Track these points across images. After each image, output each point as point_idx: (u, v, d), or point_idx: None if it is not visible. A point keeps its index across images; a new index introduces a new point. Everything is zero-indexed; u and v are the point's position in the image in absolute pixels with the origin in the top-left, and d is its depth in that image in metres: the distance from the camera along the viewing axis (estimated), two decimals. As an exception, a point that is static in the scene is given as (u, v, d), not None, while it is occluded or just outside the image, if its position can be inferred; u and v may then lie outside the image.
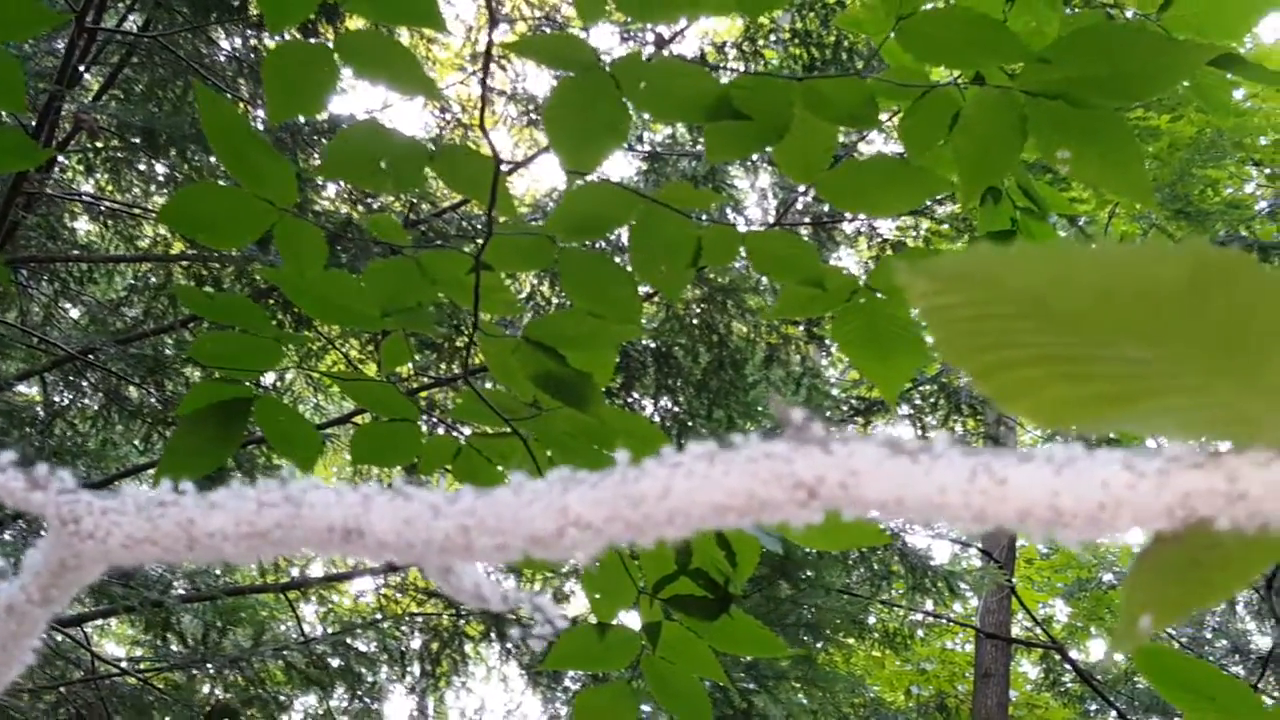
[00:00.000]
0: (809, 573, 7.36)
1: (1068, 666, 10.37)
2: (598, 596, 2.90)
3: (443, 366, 6.30)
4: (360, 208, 5.92)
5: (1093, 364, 0.63)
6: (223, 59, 6.30)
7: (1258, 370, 0.63)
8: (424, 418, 6.12)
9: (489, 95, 7.80)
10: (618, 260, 2.50)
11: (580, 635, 2.94)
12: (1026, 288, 0.61)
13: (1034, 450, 0.69)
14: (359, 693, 7.35)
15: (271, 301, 5.51)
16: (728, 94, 2.16)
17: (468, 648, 7.89)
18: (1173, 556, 0.70)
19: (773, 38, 6.10)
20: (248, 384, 2.58)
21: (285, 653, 6.72)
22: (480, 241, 2.40)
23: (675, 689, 2.88)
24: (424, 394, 5.99)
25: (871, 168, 2.31)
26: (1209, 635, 12.16)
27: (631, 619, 2.92)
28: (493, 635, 7.24)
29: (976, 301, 0.61)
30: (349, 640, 7.17)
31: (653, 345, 6.42)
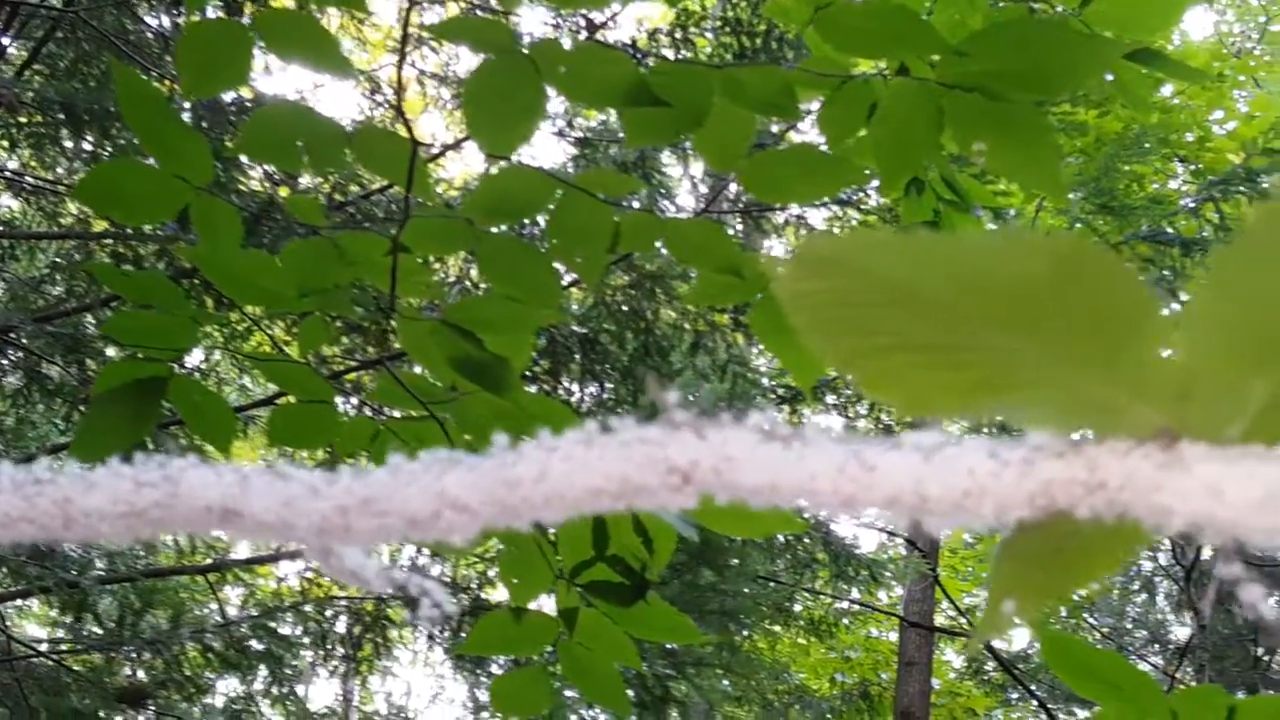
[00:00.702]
0: (735, 560, 7.38)
1: (990, 655, 10.46)
2: (515, 581, 2.90)
3: (370, 350, 6.28)
4: (287, 188, 5.88)
5: (960, 352, 0.64)
6: (150, 35, 6.24)
7: (1116, 361, 0.64)
8: (349, 400, 6.10)
9: (422, 78, 7.77)
10: (538, 245, 2.49)
11: (497, 620, 2.94)
12: (894, 276, 0.61)
13: (903, 438, 0.70)
14: (280, 677, 7.32)
15: (195, 281, 5.47)
16: (647, 80, 2.16)
17: (391, 632, 7.87)
18: (1036, 544, 0.71)
19: (705, 25, 6.11)
20: (167, 363, 2.56)
21: (204, 636, 6.68)
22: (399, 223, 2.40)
23: (592, 674, 2.89)
24: (351, 377, 5.96)
25: (789, 157, 2.32)
26: (1129, 626, 12.29)
27: (552, 605, 2.92)
28: (415, 620, 7.21)
29: (843, 288, 0.61)
30: (270, 624, 7.13)
31: (580, 331, 6.42)
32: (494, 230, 2.39)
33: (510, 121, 2.21)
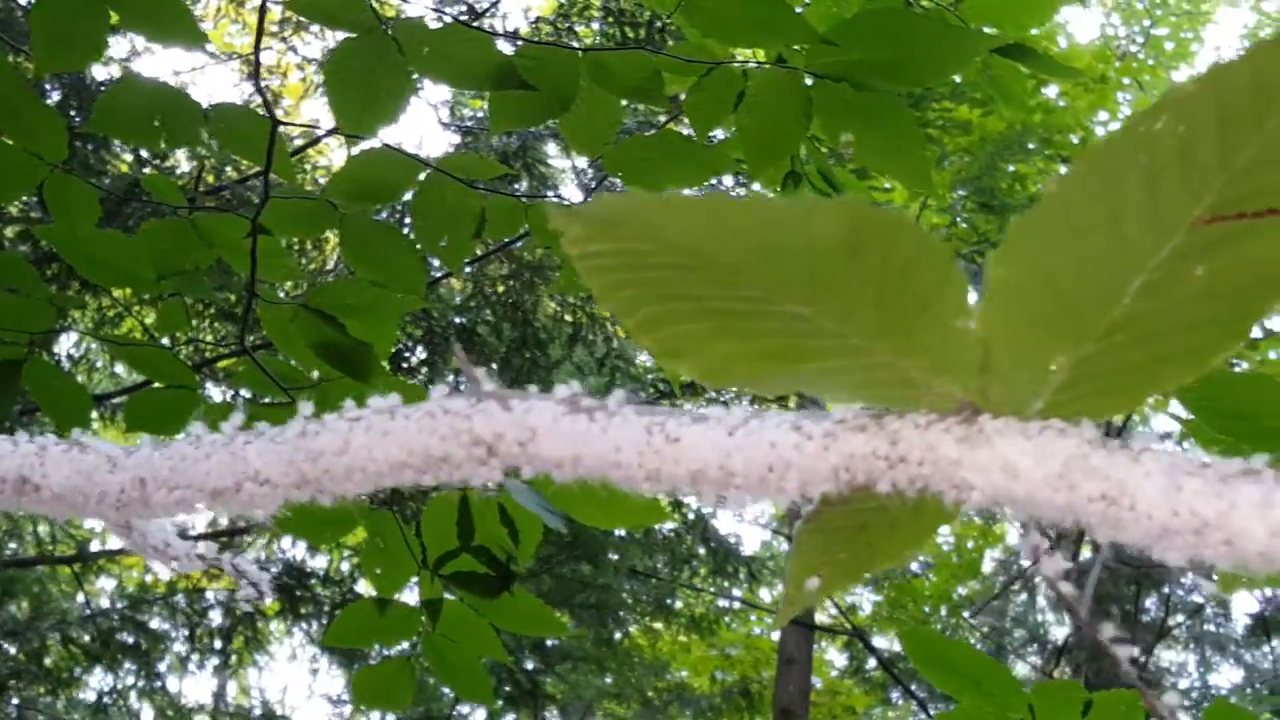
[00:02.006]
0: (613, 555, 7.37)
1: (870, 654, 10.52)
2: (378, 572, 2.86)
3: (251, 338, 6.17)
4: (149, 170, 5.78)
5: (755, 320, 0.62)
6: (20, 15, 6.11)
7: (915, 332, 0.63)
8: (220, 388, 6.01)
9: (305, 64, 7.67)
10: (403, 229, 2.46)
11: (360, 611, 2.90)
12: (684, 239, 0.59)
13: (708, 411, 0.68)
14: (148, 671, 7.19)
15: (59, 265, 5.36)
16: (512, 63, 2.14)
17: (267, 626, 7.78)
18: (840, 520, 0.70)
19: (588, 15, 6.08)
20: (23, 346, 2.49)
21: (67, 628, 6.55)
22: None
23: (456, 667, 2.85)
24: (224, 364, 5.87)
25: (657, 143, 2.30)
26: (1009, 625, 12.43)
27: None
28: (288, 613, 7.14)
29: (633, 251, 0.60)
30: (136, 616, 7.00)
31: (458, 321, 6.37)
32: (358, 213, 2.36)
33: (373, 102, 2.18)
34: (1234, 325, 0.63)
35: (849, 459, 0.65)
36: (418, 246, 2.40)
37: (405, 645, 2.95)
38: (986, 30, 2.62)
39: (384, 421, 0.74)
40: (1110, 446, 0.61)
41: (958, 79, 5.75)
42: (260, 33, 2.30)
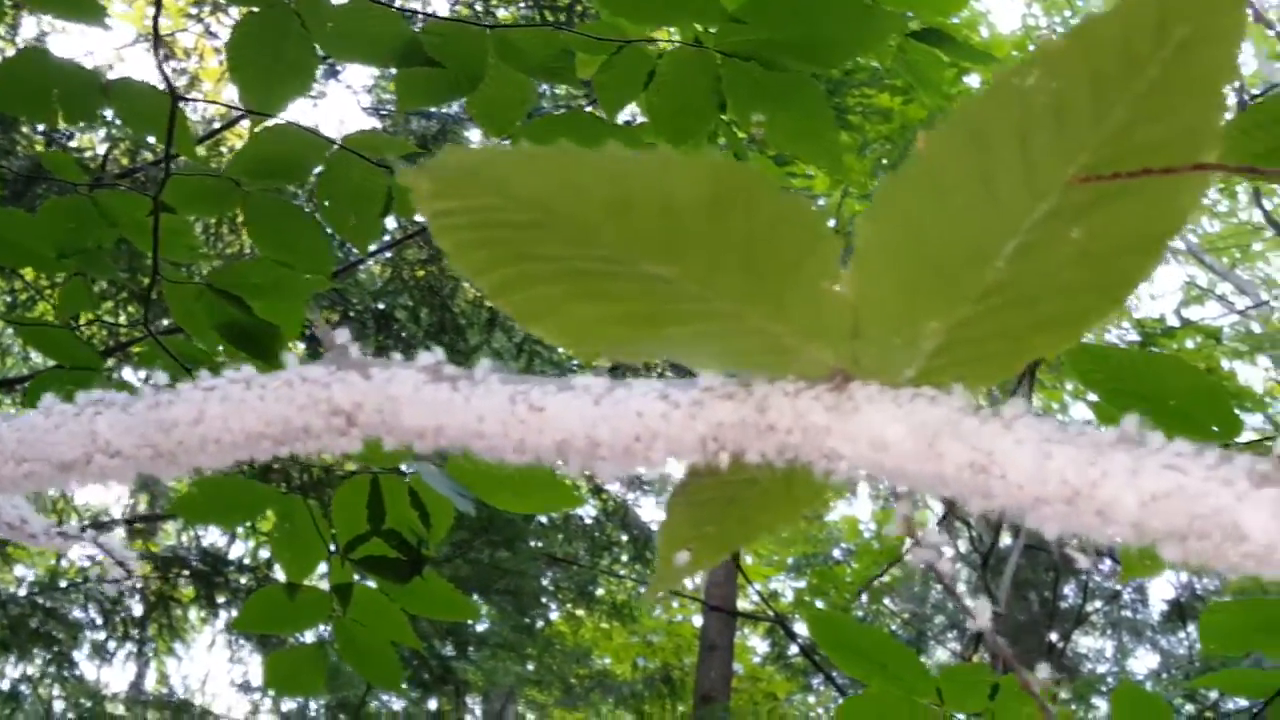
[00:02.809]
0: (535, 542, 7.34)
1: (791, 640, 10.55)
2: (288, 556, 2.82)
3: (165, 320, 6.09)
4: (55, 148, 5.69)
5: (615, 282, 0.60)
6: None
7: (783, 295, 0.60)
8: (135, 371, 5.93)
9: (224, 49, 7.56)
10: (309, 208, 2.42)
11: (270, 596, 2.86)
12: (536, 194, 0.57)
13: (574, 380, 0.66)
14: (59, 658, 7.10)
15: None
16: (418, 39, 2.11)
17: (184, 613, 7.69)
18: (710, 492, 0.67)
19: (509, -1, 6.06)
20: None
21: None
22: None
23: (366, 652, 2.82)
24: (138, 348, 5.78)
25: (567, 124, 2.27)
26: (929, 611, 12.50)
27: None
28: (204, 600, 7.06)
29: (483, 208, 0.57)
30: (48, 603, 6.91)
31: (375, 306, 6.31)
32: (262, 192, 2.32)
33: (277, 78, 2.14)
34: (1110, 290, 0.61)
35: (717, 428, 0.63)
36: (326, 227, 2.36)
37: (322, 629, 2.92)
38: (905, 15, 2.61)
39: (239, 391, 0.71)
40: (982, 414, 0.59)
41: (878, 65, 5.75)
42: (158, 18, 2.26)
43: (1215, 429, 1.53)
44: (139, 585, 7.04)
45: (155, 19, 2.28)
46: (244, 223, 2.31)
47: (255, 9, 2.06)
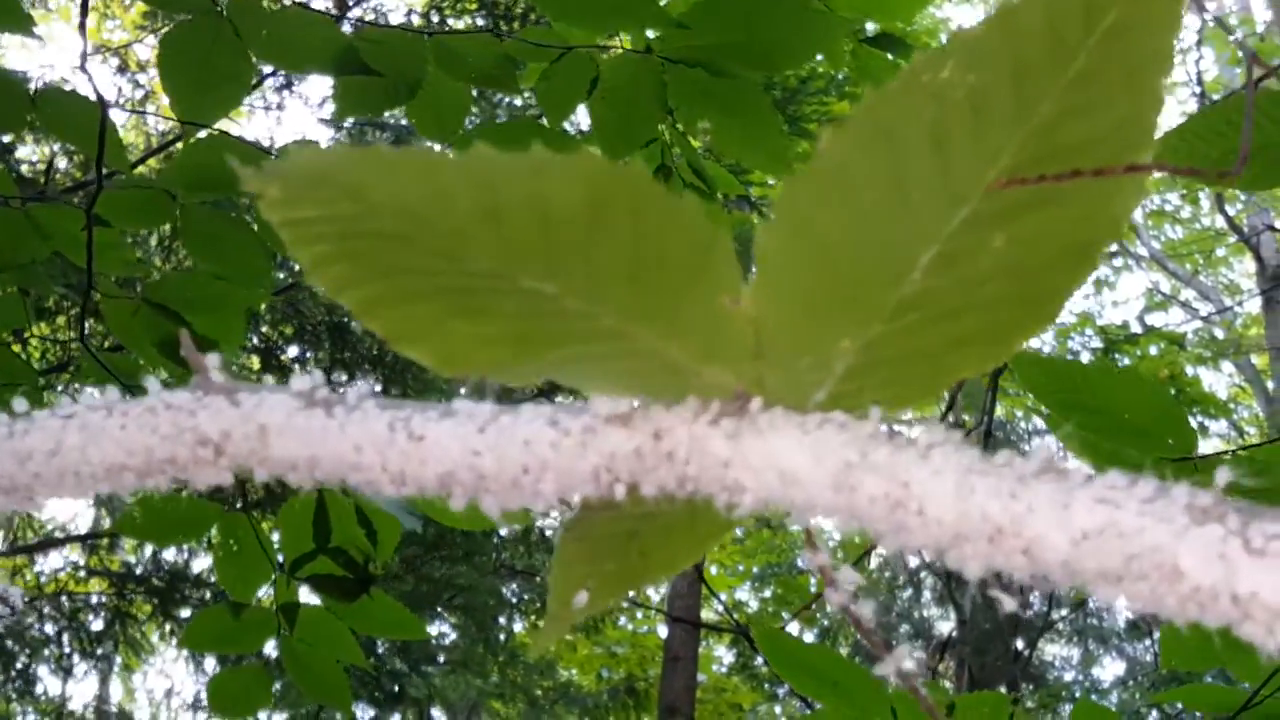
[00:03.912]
0: (486, 555, 7.25)
1: (755, 651, 10.44)
2: (232, 575, 2.76)
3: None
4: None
5: (491, 298, 0.54)
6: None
7: (677, 312, 0.55)
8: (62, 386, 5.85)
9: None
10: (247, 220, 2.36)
11: (215, 615, 2.81)
12: (398, 202, 0.51)
13: (458, 405, 0.60)
14: (19, 675, 7.00)
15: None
16: (354, 46, 2.05)
17: (144, 629, 7.60)
18: (607, 526, 0.62)
19: (462, 7, 5.97)
20: None
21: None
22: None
23: (313, 671, 2.76)
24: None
25: (508, 132, 2.21)
26: (894, 620, 12.46)
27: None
28: (161, 615, 6.97)
29: (342, 216, 0.51)
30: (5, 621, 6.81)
31: (330, 319, 6.22)
32: (197, 204, 2.25)
33: (211, 86, 2.08)
34: (1038, 303, 0.56)
35: (610, 458, 0.57)
36: (262, 239, 2.30)
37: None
38: (860, 21, 2.57)
39: (99, 419, 0.65)
40: (897, 442, 0.53)
41: (835, 73, 5.71)
42: (85, 8, 2.19)
43: (1171, 442, 1.49)
44: (98, 601, 6.95)
45: (82, 22, 2.21)
46: (179, 235, 2.24)
47: (187, 16, 1.99)
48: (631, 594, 0.73)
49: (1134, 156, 0.53)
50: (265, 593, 2.76)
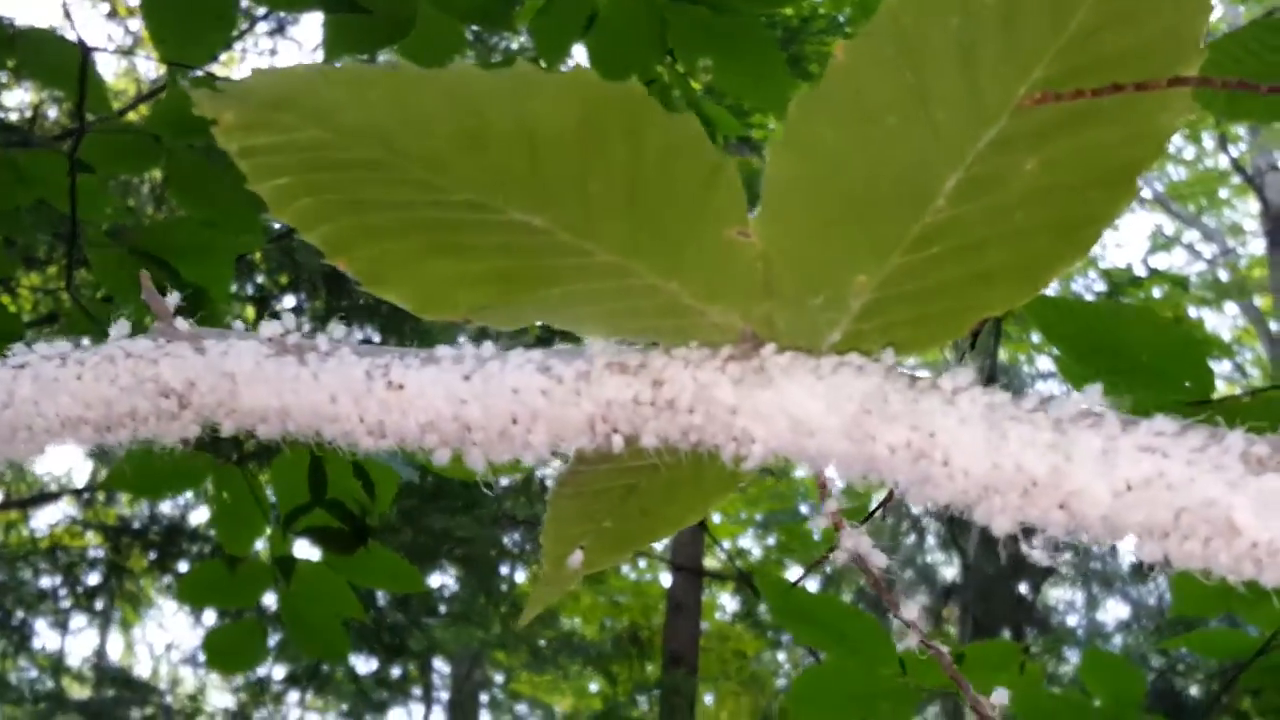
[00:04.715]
0: (486, 506, 7.19)
1: (759, 598, 10.40)
2: (226, 528, 2.72)
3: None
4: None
5: (474, 232, 0.49)
6: None
7: (679, 246, 0.50)
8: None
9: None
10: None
11: (210, 569, 2.78)
12: (369, 126, 0.46)
13: (441, 351, 0.55)
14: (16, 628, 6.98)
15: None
16: (343, -16, 1.99)
17: (142, 584, 7.57)
18: (604, 481, 0.57)
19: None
20: None
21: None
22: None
23: (310, 625, 2.73)
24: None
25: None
26: (898, 565, 12.44)
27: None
28: (158, 569, 6.94)
29: (306, 144, 0.46)
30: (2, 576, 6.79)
31: (324, 268, 6.15)
32: (184, 148, 2.20)
33: (195, 28, 2.02)
34: (1073, 232, 0.51)
35: (606, 407, 0.52)
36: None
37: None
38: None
39: (53, 369, 0.60)
40: (920, 387, 0.48)
41: (838, 15, 5.64)
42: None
43: (1188, 384, 1.44)
44: (94, 556, 6.93)
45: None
46: (165, 181, 2.19)
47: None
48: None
49: (1179, 69, 0.48)
50: (263, 546, 2.72)
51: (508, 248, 0.49)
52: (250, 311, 6.04)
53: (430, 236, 0.49)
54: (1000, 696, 0.55)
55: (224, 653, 2.78)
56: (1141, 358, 1.43)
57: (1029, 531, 0.48)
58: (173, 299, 0.60)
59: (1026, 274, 0.51)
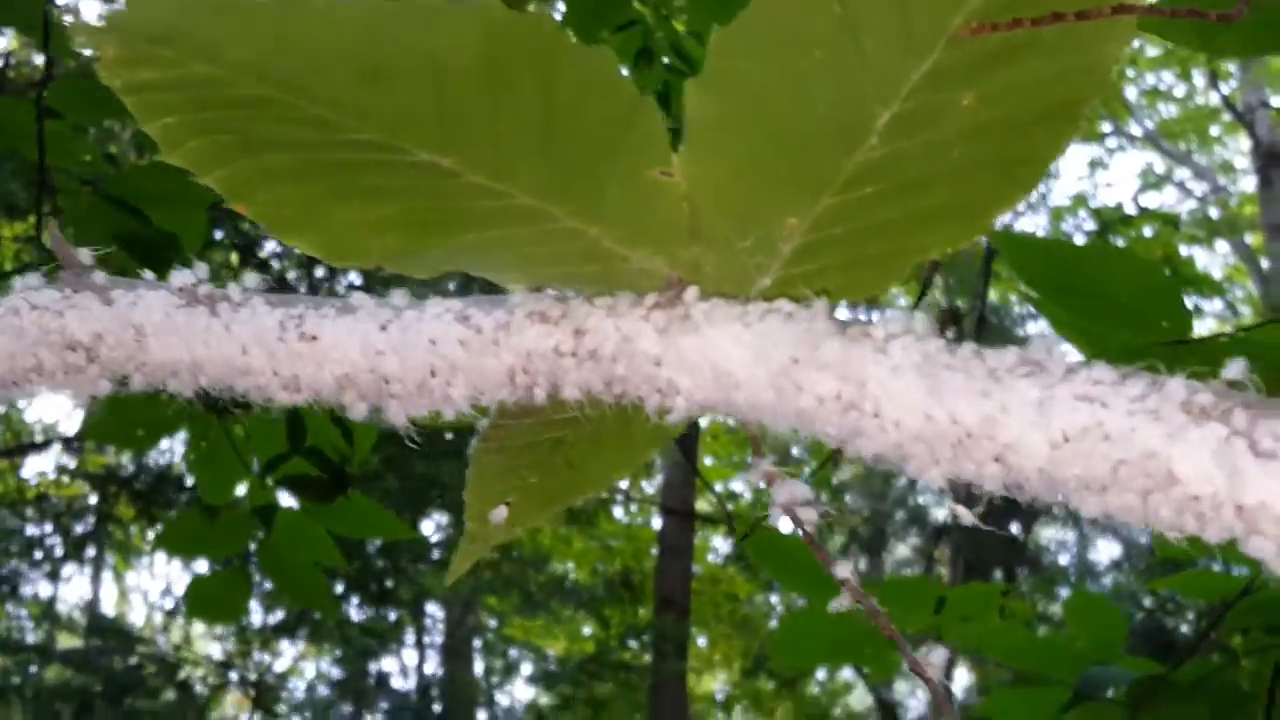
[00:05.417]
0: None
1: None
2: (205, 477, 2.70)
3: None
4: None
5: (381, 174, 0.46)
6: None
7: (600, 189, 0.47)
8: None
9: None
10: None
11: (189, 519, 2.75)
12: (260, 62, 0.43)
13: (357, 300, 0.53)
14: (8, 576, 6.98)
15: None
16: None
17: (131, 532, 7.56)
18: (528, 435, 0.54)
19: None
20: None
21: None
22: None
23: (291, 574, 2.71)
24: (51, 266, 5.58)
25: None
26: (890, 508, 12.43)
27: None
28: (145, 518, 6.92)
29: (194, 80, 0.43)
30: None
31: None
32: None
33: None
34: (1015, 171, 0.48)
35: (526, 358, 0.49)
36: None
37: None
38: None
39: (-46, 322, 0.57)
40: (850, 334, 0.46)
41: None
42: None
43: (1165, 324, 1.41)
44: (83, 505, 6.91)
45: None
46: (137, 125, 2.15)
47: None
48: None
49: (1123, -4, 0.45)
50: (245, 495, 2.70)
51: (417, 190, 0.47)
52: (235, 258, 5.99)
53: (334, 179, 0.46)
54: (938, 655, 0.53)
55: (206, 602, 2.76)
56: (1119, 298, 1.40)
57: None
58: (84, 253, 0.57)
59: (966, 214, 0.49)
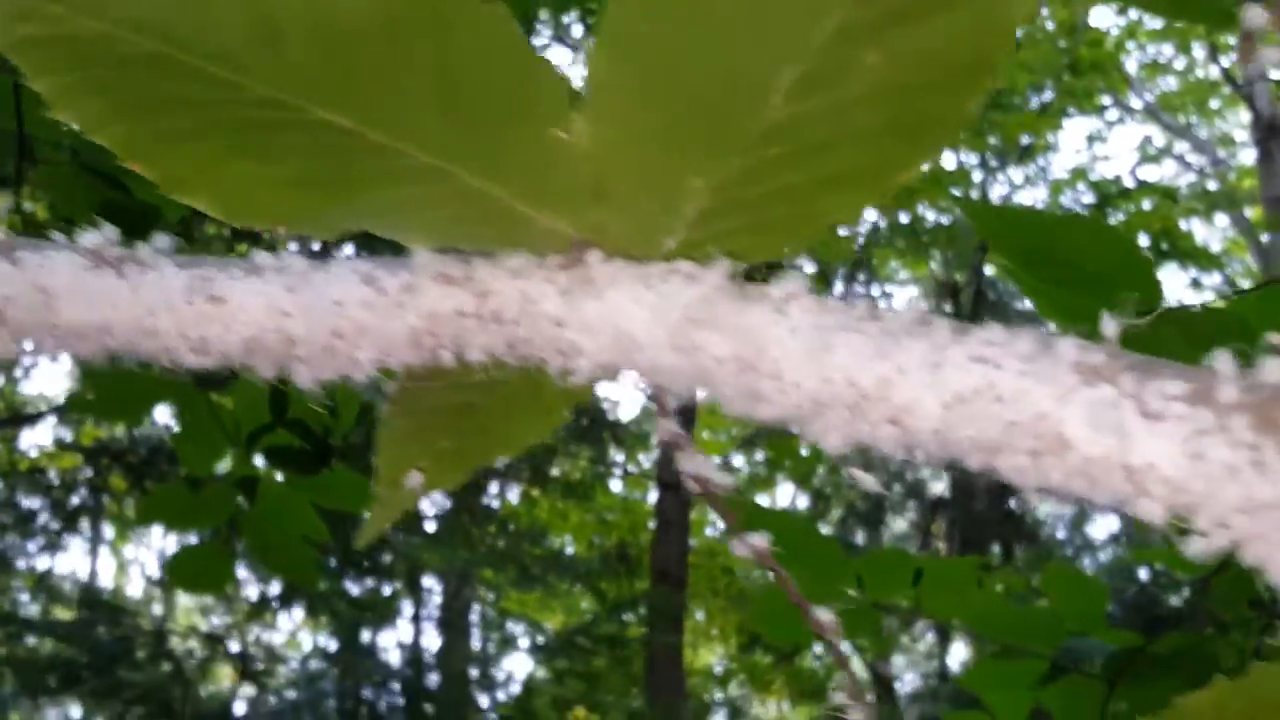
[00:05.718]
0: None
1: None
2: (188, 448, 2.70)
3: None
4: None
5: (279, 133, 0.46)
6: None
7: (502, 149, 0.46)
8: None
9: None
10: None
11: (171, 491, 2.75)
12: (153, 17, 0.42)
13: (263, 260, 0.52)
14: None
15: None
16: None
17: (118, 502, 7.57)
18: (437, 398, 0.54)
19: None
20: None
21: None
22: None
23: (275, 547, 2.71)
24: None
25: None
26: (887, 481, 12.45)
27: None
28: (136, 490, 6.93)
29: (87, 37, 0.43)
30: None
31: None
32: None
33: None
34: (923, 132, 0.47)
35: (430, 319, 0.49)
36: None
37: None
38: None
39: None
40: (749, 295, 0.45)
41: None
42: None
43: (1135, 294, 1.41)
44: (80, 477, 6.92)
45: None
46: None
47: None
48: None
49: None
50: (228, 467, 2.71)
51: (315, 149, 0.46)
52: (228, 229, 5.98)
53: (229, 138, 0.46)
54: (828, 617, 0.53)
55: (191, 574, 2.77)
56: (1088, 267, 1.40)
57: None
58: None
59: (872, 178, 0.48)
